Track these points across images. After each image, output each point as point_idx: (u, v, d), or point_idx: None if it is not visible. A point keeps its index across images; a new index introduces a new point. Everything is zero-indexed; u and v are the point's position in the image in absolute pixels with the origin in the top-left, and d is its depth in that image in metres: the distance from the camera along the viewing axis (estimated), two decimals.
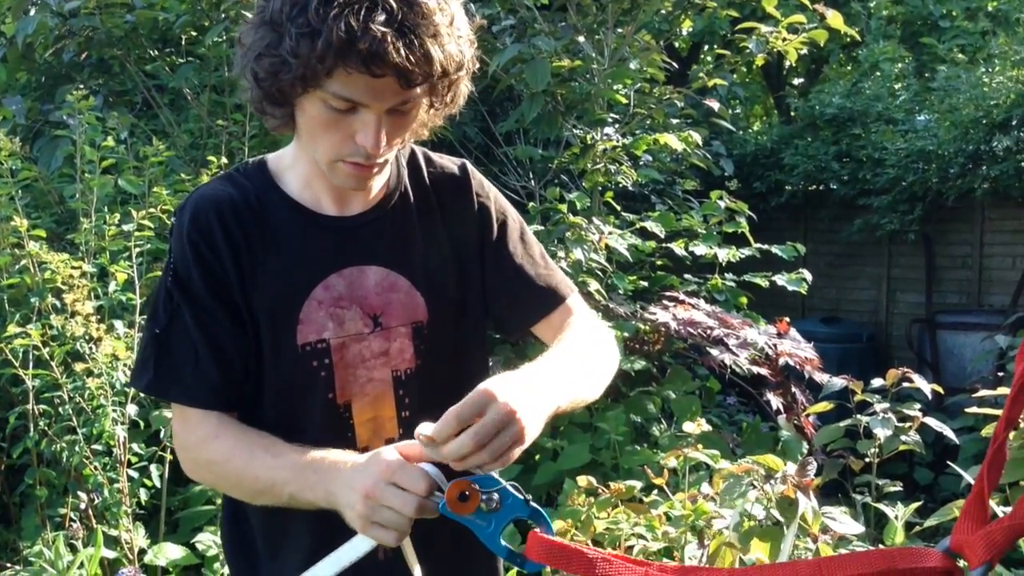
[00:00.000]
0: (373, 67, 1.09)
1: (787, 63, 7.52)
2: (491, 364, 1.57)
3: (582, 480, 2.63)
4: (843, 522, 2.21)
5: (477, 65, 1.24)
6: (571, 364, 1.27)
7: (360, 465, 1.13)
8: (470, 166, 1.43)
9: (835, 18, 4.02)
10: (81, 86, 4.01)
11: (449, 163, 1.43)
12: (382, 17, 1.08)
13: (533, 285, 1.41)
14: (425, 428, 1.08)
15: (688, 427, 2.61)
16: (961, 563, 0.93)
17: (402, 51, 1.08)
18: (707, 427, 2.68)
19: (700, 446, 2.80)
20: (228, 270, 1.26)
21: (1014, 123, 6.32)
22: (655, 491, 2.89)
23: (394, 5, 1.08)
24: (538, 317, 1.41)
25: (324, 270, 1.30)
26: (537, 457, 3.49)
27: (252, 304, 1.28)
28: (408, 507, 1.08)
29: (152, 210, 3.41)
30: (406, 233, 1.34)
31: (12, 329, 2.86)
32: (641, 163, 4.75)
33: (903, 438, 2.81)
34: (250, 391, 1.30)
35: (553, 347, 1.31)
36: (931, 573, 0.92)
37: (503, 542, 1.09)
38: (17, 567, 2.77)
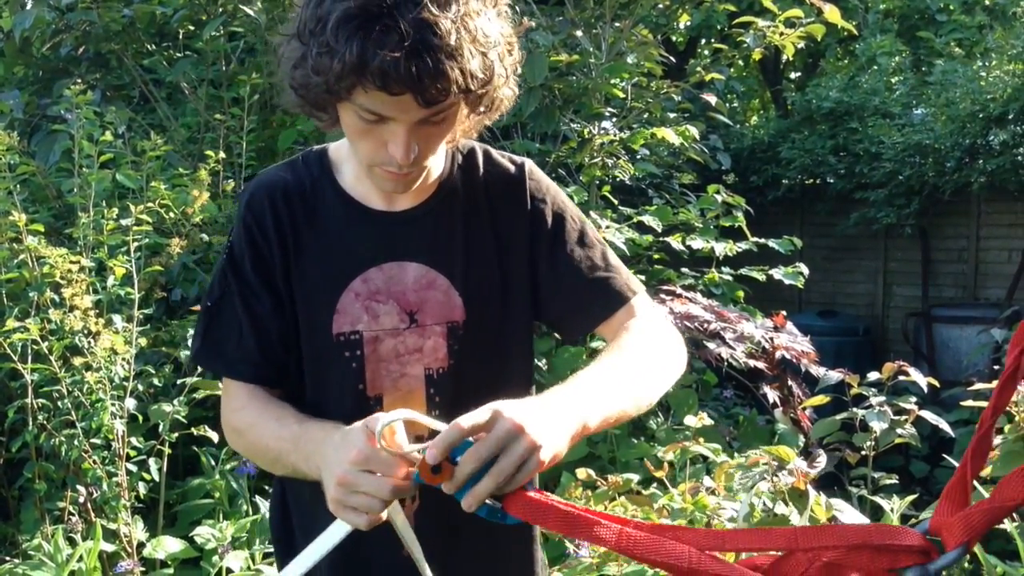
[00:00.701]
0: (388, 87, 1.09)
1: (784, 57, 7.52)
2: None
3: (581, 472, 2.65)
4: (848, 513, 2.23)
5: (517, 71, 1.22)
6: (612, 375, 1.22)
7: (335, 445, 1.11)
8: (530, 166, 1.41)
9: (832, 12, 4.02)
10: (79, 80, 4.00)
11: (507, 162, 1.40)
12: (395, 38, 1.06)
13: (591, 287, 1.37)
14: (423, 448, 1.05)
15: (689, 420, 2.62)
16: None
17: (414, 71, 1.07)
18: (709, 421, 2.69)
19: (702, 440, 2.81)
20: (275, 254, 1.31)
21: (1011, 117, 6.32)
22: (654, 484, 2.90)
23: (407, 26, 1.07)
24: (597, 320, 1.37)
25: (365, 263, 1.31)
26: None
27: (293, 288, 1.32)
28: (383, 491, 1.06)
29: (150, 204, 3.41)
30: (451, 232, 1.34)
31: (11, 323, 2.86)
32: (638, 157, 4.75)
33: (899, 431, 2.83)
34: (294, 373, 1.34)
35: (600, 356, 1.27)
36: (907, 552, 0.92)
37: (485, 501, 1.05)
38: (16, 560, 2.78)
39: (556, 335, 3.63)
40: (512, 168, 1.40)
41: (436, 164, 1.32)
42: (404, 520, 1.17)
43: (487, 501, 1.05)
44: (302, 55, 1.13)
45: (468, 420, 1.03)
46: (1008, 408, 2.44)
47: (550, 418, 1.07)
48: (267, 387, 1.34)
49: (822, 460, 2.20)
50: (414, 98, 1.10)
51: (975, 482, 0.96)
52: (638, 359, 1.27)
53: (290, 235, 1.31)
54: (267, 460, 1.30)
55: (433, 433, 1.08)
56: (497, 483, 1.01)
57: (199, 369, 3.00)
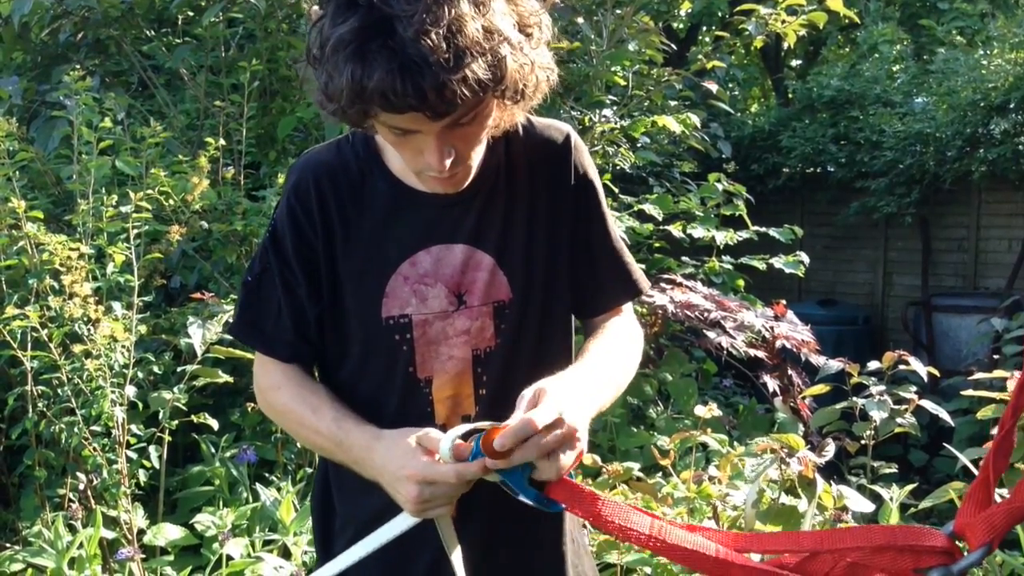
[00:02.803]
0: (391, 108, 1.08)
1: (785, 45, 7.50)
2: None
3: (585, 459, 2.65)
4: (854, 501, 2.24)
5: (546, 54, 1.19)
6: (607, 370, 1.33)
7: (389, 474, 1.21)
8: (575, 138, 1.40)
9: (834, 0, 4.00)
10: (77, 66, 3.98)
11: (552, 131, 1.39)
12: (389, 58, 1.04)
13: (622, 272, 1.43)
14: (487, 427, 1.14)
15: (699, 411, 2.62)
16: (961, 545, 0.93)
17: (411, 89, 1.05)
18: (718, 412, 2.69)
19: (709, 429, 2.81)
20: (319, 240, 1.31)
21: (1012, 106, 6.31)
22: (659, 473, 2.91)
23: (400, 44, 1.04)
24: (611, 304, 1.44)
25: (413, 246, 1.31)
26: None
27: (339, 270, 1.33)
28: (453, 491, 1.17)
29: (150, 191, 3.40)
30: (496, 211, 1.34)
31: (10, 311, 2.86)
32: (639, 145, 4.74)
33: (898, 420, 2.83)
34: (335, 356, 1.37)
35: (597, 345, 1.37)
36: (930, 553, 0.93)
37: (528, 487, 1.16)
38: (16, 547, 2.78)
39: None
40: (557, 136, 1.39)
41: (481, 151, 1.30)
42: (451, 525, 1.25)
43: (535, 490, 1.15)
44: (316, 77, 1.13)
45: (542, 420, 1.10)
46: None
47: (589, 414, 1.21)
48: (301, 364, 1.37)
49: (830, 449, 2.20)
50: (423, 113, 1.09)
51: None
52: (621, 358, 1.39)
53: (336, 220, 1.31)
54: (306, 444, 1.39)
55: (478, 415, 1.28)
56: (536, 455, 1.12)
57: (199, 356, 3.00)
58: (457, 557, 1.25)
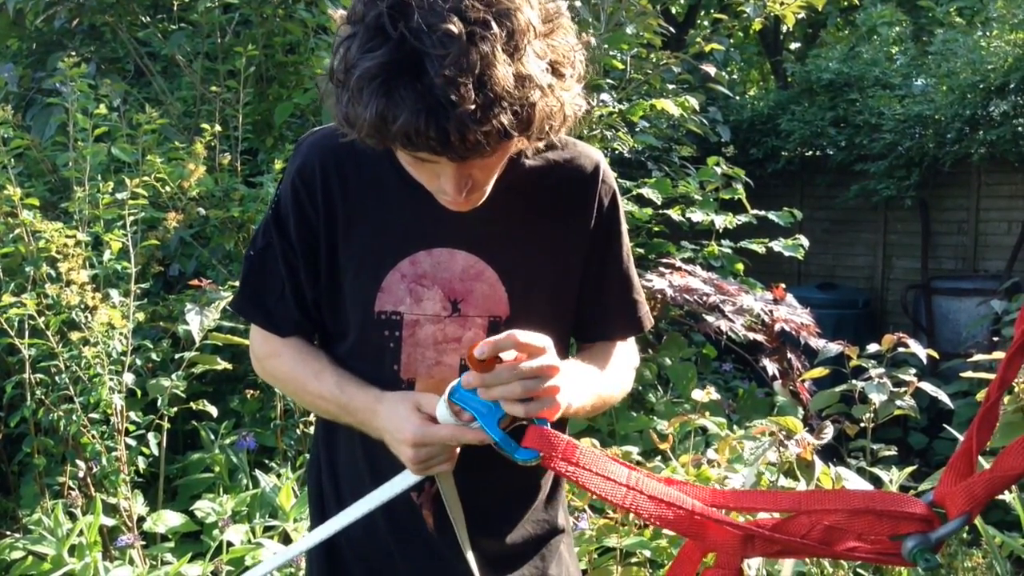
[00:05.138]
0: (413, 149, 1.06)
1: (784, 28, 7.47)
2: None
3: (585, 442, 2.65)
4: (854, 483, 2.24)
5: (579, 90, 1.18)
6: (597, 378, 1.34)
7: (389, 434, 1.24)
8: (604, 167, 1.37)
9: None
10: (73, 53, 3.96)
11: (583, 158, 1.36)
12: (415, 100, 1.00)
13: (623, 306, 1.43)
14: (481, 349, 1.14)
15: (697, 395, 2.62)
16: (941, 513, 0.93)
17: (434, 135, 1.02)
18: (716, 395, 2.69)
19: (707, 413, 2.81)
20: (319, 220, 1.31)
21: (1011, 87, 6.29)
22: (657, 457, 2.91)
23: (428, 88, 1.00)
24: (612, 337, 1.44)
25: (415, 245, 1.30)
26: None
27: (339, 254, 1.32)
28: (451, 448, 1.22)
29: (146, 178, 3.39)
30: (508, 225, 1.31)
31: (7, 299, 2.85)
32: (637, 129, 4.72)
33: (898, 403, 2.83)
34: (335, 334, 1.37)
35: (592, 358, 1.38)
36: (909, 519, 0.92)
37: (497, 427, 1.16)
38: (17, 535, 2.78)
39: None
40: (585, 168, 1.35)
41: (496, 175, 1.26)
42: (452, 484, 1.28)
43: (502, 429, 1.16)
44: (337, 96, 1.09)
45: (523, 336, 1.13)
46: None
47: (578, 379, 1.24)
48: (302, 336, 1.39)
49: (829, 431, 2.20)
50: (443, 156, 1.07)
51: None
52: (618, 380, 1.41)
53: (340, 206, 1.30)
54: (308, 408, 1.41)
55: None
56: (516, 393, 1.13)
57: (197, 344, 3.00)
58: (462, 524, 1.29)
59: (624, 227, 1.42)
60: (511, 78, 1.03)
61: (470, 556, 1.30)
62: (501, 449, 1.15)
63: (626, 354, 1.45)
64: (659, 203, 4.28)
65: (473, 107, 1.00)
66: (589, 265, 1.37)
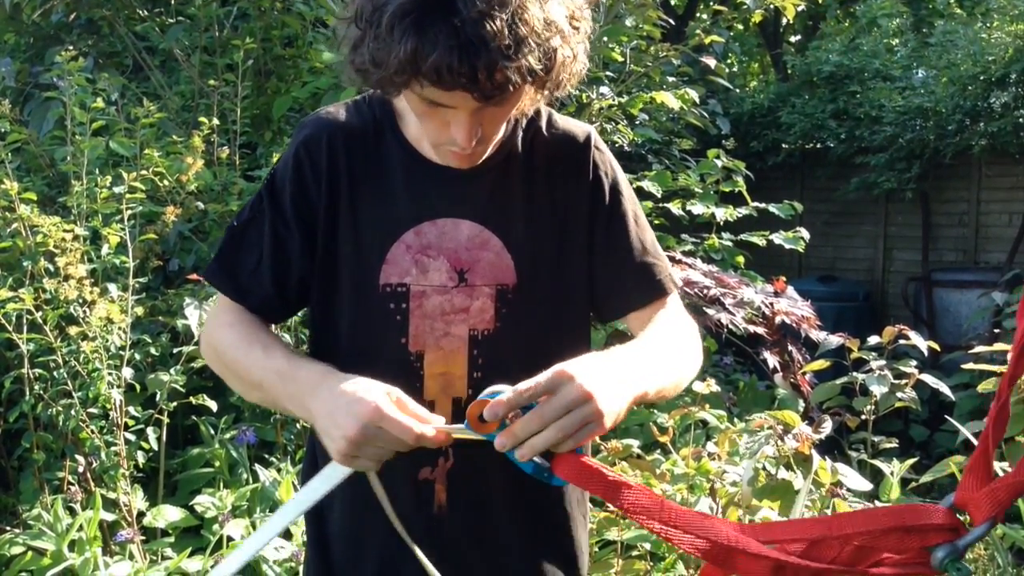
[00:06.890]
0: (442, 84, 1.07)
1: (784, 20, 7.45)
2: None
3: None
4: (852, 478, 2.23)
5: (586, 47, 1.18)
6: (656, 355, 1.24)
7: (344, 398, 1.12)
8: (595, 137, 1.38)
9: None
10: (70, 47, 3.95)
11: (573, 128, 1.38)
12: (449, 35, 1.04)
13: (639, 272, 1.37)
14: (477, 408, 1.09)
15: (697, 387, 2.61)
16: (963, 518, 0.93)
17: (467, 70, 1.05)
18: (716, 387, 2.68)
19: (707, 406, 2.80)
20: (321, 197, 1.29)
21: (1012, 79, 6.27)
22: (657, 450, 2.90)
23: (463, 22, 1.04)
24: (636, 306, 1.37)
25: (419, 216, 1.29)
26: None
27: (338, 235, 1.30)
28: (400, 446, 1.11)
29: (144, 172, 3.38)
30: (509, 194, 1.32)
31: (5, 293, 2.84)
32: (637, 122, 4.71)
33: (899, 395, 2.83)
34: (322, 323, 1.34)
35: (638, 337, 1.29)
36: (937, 530, 0.92)
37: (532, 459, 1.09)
38: (16, 530, 2.78)
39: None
40: (578, 136, 1.37)
41: (491, 147, 1.28)
42: (376, 478, 1.20)
43: (536, 459, 1.08)
44: (360, 39, 1.11)
45: (530, 389, 1.06)
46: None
47: (614, 384, 1.10)
48: (264, 319, 1.34)
49: (827, 425, 2.19)
50: (470, 94, 1.09)
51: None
52: (673, 349, 1.29)
53: (344, 181, 1.30)
54: (243, 385, 1.30)
55: (470, 398, 1.19)
56: (557, 438, 1.05)
57: (196, 338, 2.99)
58: (400, 527, 1.22)
59: (628, 193, 1.40)
60: (541, 20, 1.07)
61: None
62: (534, 475, 1.11)
63: (674, 316, 1.36)
64: (659, 196, 4.27)
65: (507, 43, 1.04)
66: (594, 235, 1.36)
